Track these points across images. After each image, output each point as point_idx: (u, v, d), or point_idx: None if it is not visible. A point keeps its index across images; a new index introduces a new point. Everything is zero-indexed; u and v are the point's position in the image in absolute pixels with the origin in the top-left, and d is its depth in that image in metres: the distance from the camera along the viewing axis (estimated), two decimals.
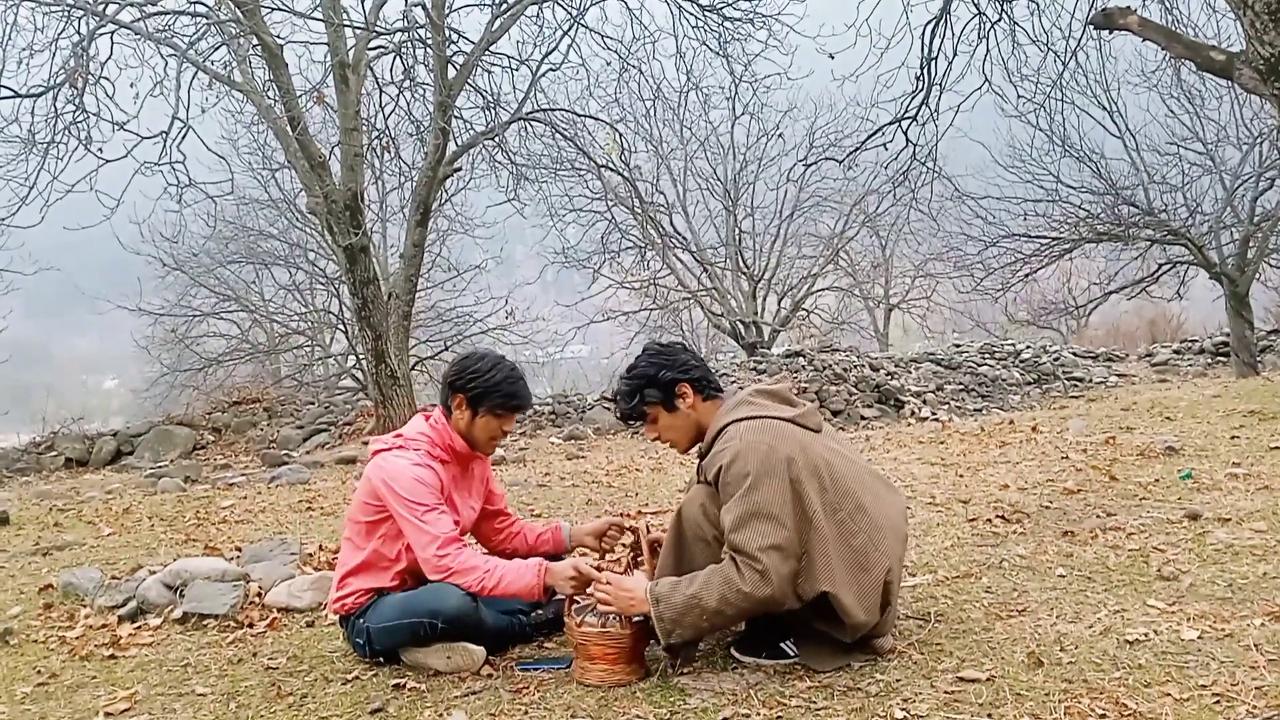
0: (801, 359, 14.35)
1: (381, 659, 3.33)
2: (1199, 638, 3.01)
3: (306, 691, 3.21)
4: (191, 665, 3.58)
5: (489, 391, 3.35)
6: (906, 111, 10.12)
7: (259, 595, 4.24)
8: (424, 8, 11.13)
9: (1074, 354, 17.89)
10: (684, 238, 21.74)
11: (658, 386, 3.18)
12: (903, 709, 2.66)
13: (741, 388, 3.26)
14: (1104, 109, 16.06)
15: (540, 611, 3.51)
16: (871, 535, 2.94)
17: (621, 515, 5.13)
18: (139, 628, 4.05)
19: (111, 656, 3.74)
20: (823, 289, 26.23)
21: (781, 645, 3.08)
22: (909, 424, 11.72)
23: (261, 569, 4.50)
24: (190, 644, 3.83)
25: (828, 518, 2.90)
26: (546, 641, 3.50)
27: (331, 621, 3.79)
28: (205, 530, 6.23)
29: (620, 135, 14.06)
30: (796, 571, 2.86)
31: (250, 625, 3.98)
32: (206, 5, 10.81)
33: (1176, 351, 18.06)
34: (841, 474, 2.98)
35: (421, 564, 3.22)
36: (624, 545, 3.60)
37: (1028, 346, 17.89)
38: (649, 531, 3.47)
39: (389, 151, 12.49)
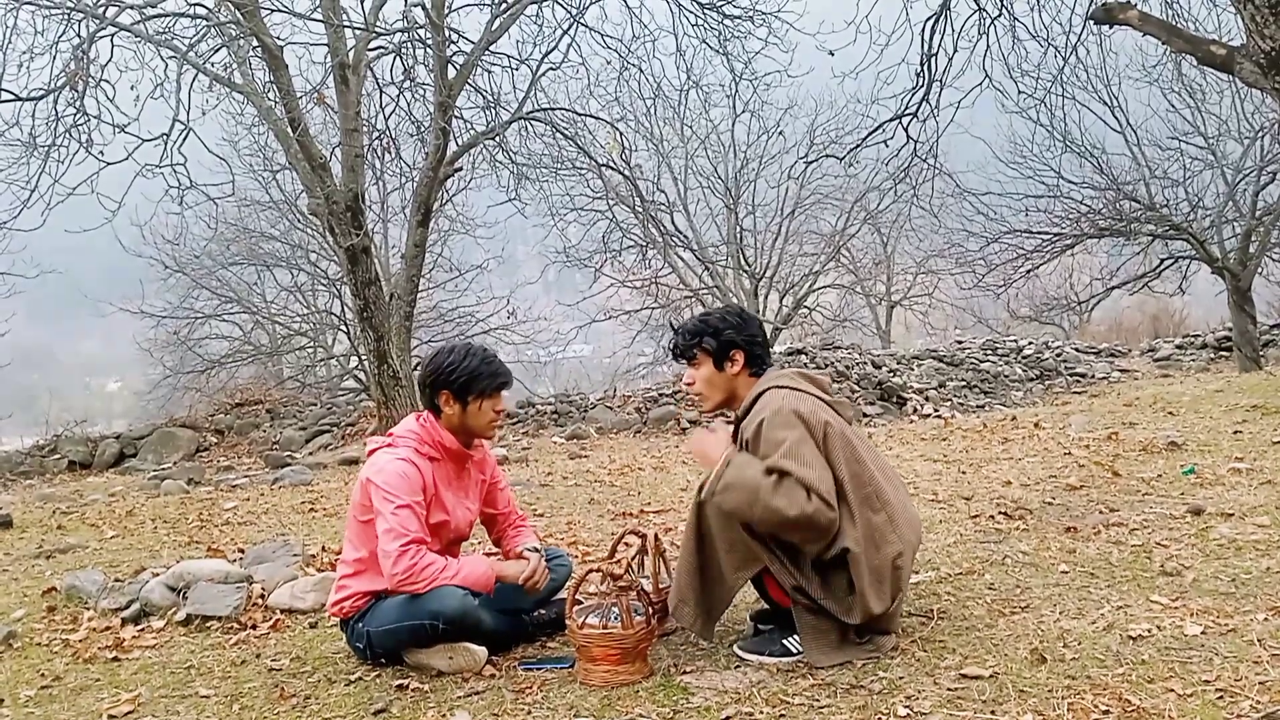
0: (804, 357, 14.35)
1: (384, 660, 3.33)
2: (1202, 633, 3.01)
3: (310, 693, 3.21)
4: (195, 667, 3.58)
5: (473, 378, 3.37)
6: (907, 108, 10.11)
7: (262, 597, 4.25)
8: (423, 8, 11.11)
9: (1076, 350, 17.86)
10: (685, 236, 21.71)
11: (719, 340, 3.28)
12: (906, 706, 2.66)
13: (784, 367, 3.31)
14: (1105, 104, 16.07)
15: (543, 611, 3.51)
16: (891, 516, 3.04)
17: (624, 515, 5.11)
18: (142, 630, 4.06)
19: (115, 659, 3.74)
20: (824, 286, 26.24)
21: (784, 643, 3.08)
22: (911, 421, 11.71)
23: (264, 570, 4.51)
24: (193, 646, 3.83)
25: (854, 489, 3.01)
26: (549, 641, 3.50)
27: (334, 623, 3.79)
28: (208, 532, 6.23)
29: (621, 134, 14.03)
30: (831, 518, 2.91)
31: (253, 627, 3.98)
32: (206, 7, 10.79)
33: (1179, 346, 18.04)
34: (867, 460, 3.09)
35: (380, 557, 3.21)
36: (627, 544, 3.60)
37: (1030, 342, 17.87)
38: (657, 540, 3.48)
39: (390, 152, 12.46)
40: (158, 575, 4.47)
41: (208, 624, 4.05)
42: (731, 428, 3.29)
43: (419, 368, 3.53)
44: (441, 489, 3.41)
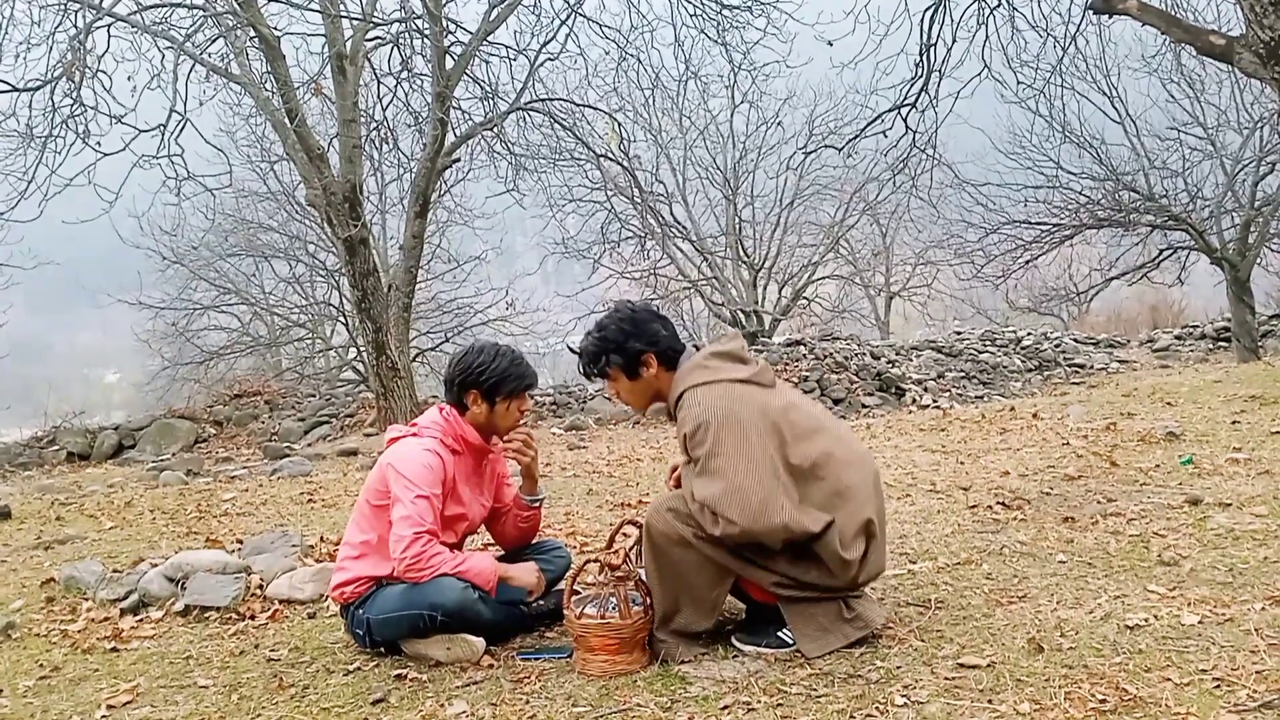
0: (802, 348, 14.34)
1: (382, 649, 3.34)
2: (1199, 622, 3.01)
3: (308, 683, 3.21)
4: (193, 657, 3.58)
5: (503, 380, 3.41)
6: (906, 98, 10.10)
7: (260, 587, 4.25)
8: None
9: (1075, 340, 17.86)
10: (684, 227, 21.70)
11: (624, 354, 3.24)
12: (903, 695, 2.66)
13: (698, 347, 3.31)
14: (1104, 94, 16.05)
15: (541, 602, 3.52)
16: (840, 474, 3.02)
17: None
18: (140, 620, 4.06)
19: (113, 649, 3.74)
20: (823, 277, 26.19)
21: (780, 635, 3.09)
22: (910, 412, 11.71)
23: (263, 561, 4.51)
24: (192, 636, 3.84)
25: (794, 468, 2.99)
26: (547, 631, 3.50)
27: (333, 613, 3.80)
28: (207, 523, 6.23)
29: (619, 125, 14.04)
30: (769, 508, 2.90)
31: (252, 617, 3.98)
32: None
33: (1178, 337, 18.04)
34: (802, 426, 3.06)
35: (392, 541, 3.22)
36: (624, 534, 3.60)
37: (1029, 333, 17.87)
38: None
39: (387, 143, 12.47)
40: (156, 566, 4.47)
41: (206, 614, 4.05)
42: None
43: (448, 364, 3.53)
44: (460, 483, 3.44)
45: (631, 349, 3.22)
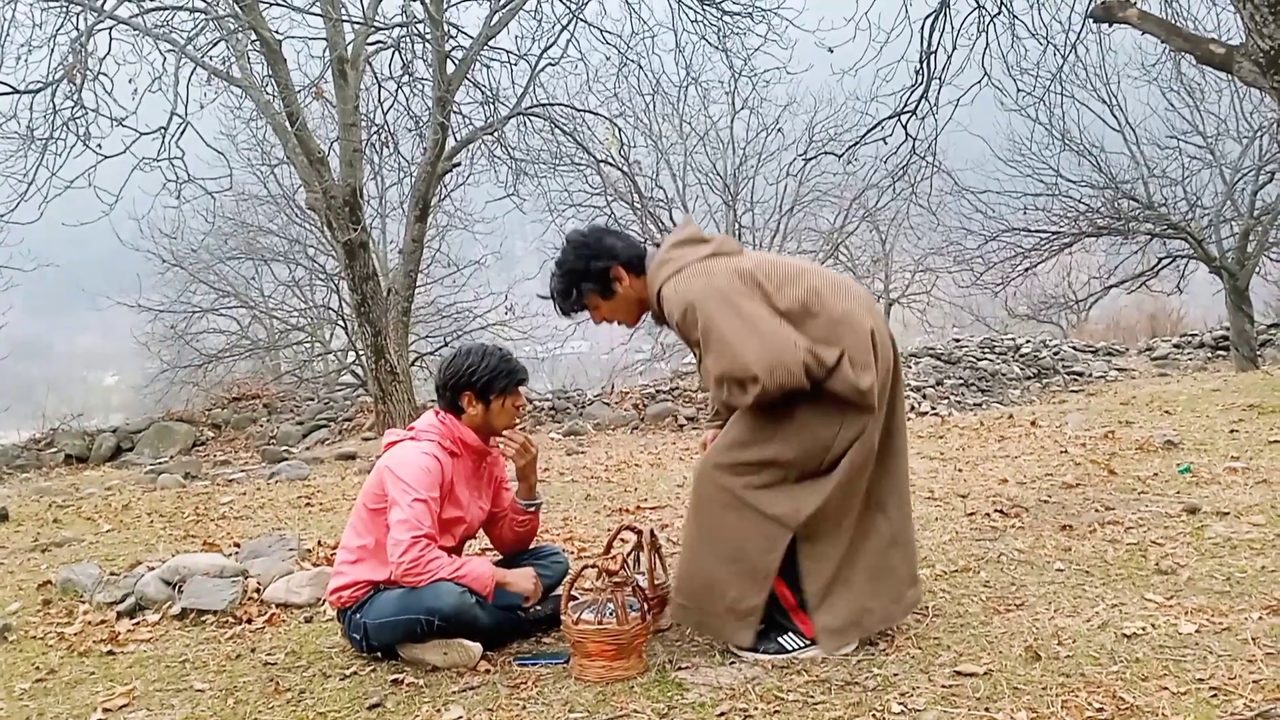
0: None
1: (379, 654, 3.33)
2: (1196, 631, 3.01)
3: (304, 687, 3.21)
4: (190, 661, 3.58)
5: (495, 377, 3.42)
6: (906, 105, 10.11)
7: (257, 591, 4.24)
8: (423, 3, 11.11)
9: (1074, 348, 17.85)
10: None
11: (592, 278, 3.25)
12: (900, 703, 2.66)
13: (658, 245, 3.34)
14: (1104, 102, 16.06)
15: (538, 608, 3.51)
16: (833, 303, 3.01)
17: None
18: (137, 624, 4.05)
19: (110, 652, 3.74)
20: None
21: (780, 641, 3.08)
22: (909, 419, 11.69)
23: (260, 565, 4.50)
24: (188, 640, 3.83)
25: (785, 313, 2.99)
26: (544, 637, 3.50)
27: (329, 617, 3.79)
28: (204, 526, 6.23)
29: (619, 130, 14.03)
30: (784, 350, 2.90)
31: (248, 621, 3.98)
32: (205, 0, 10.79)
33: (1176, 346, 18.02)
34: (780, 274, 3.07)
35: (389, 545, 3.21)
36: (623, 540, 3.60)
37: (1027, 341, 17.85)
38: (653, 536, 3.48)
39: (388, 147, 12.47)
40: (153, 569, 4.46)
41: (203, 618, 4.04)
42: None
43: (437, 371, 3.54)
44: (458, 485, 3.44)
45: (596, 269, 3.23)
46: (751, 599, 3.05)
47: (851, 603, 3.05)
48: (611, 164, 14.16)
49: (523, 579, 3.44)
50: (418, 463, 3.30)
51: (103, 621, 4.11)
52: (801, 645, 3.08)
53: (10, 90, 9.84)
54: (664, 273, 3.14)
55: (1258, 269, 16.64)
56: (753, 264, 3.09)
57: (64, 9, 9.94)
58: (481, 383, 3.41)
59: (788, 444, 3.01)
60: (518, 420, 3.57)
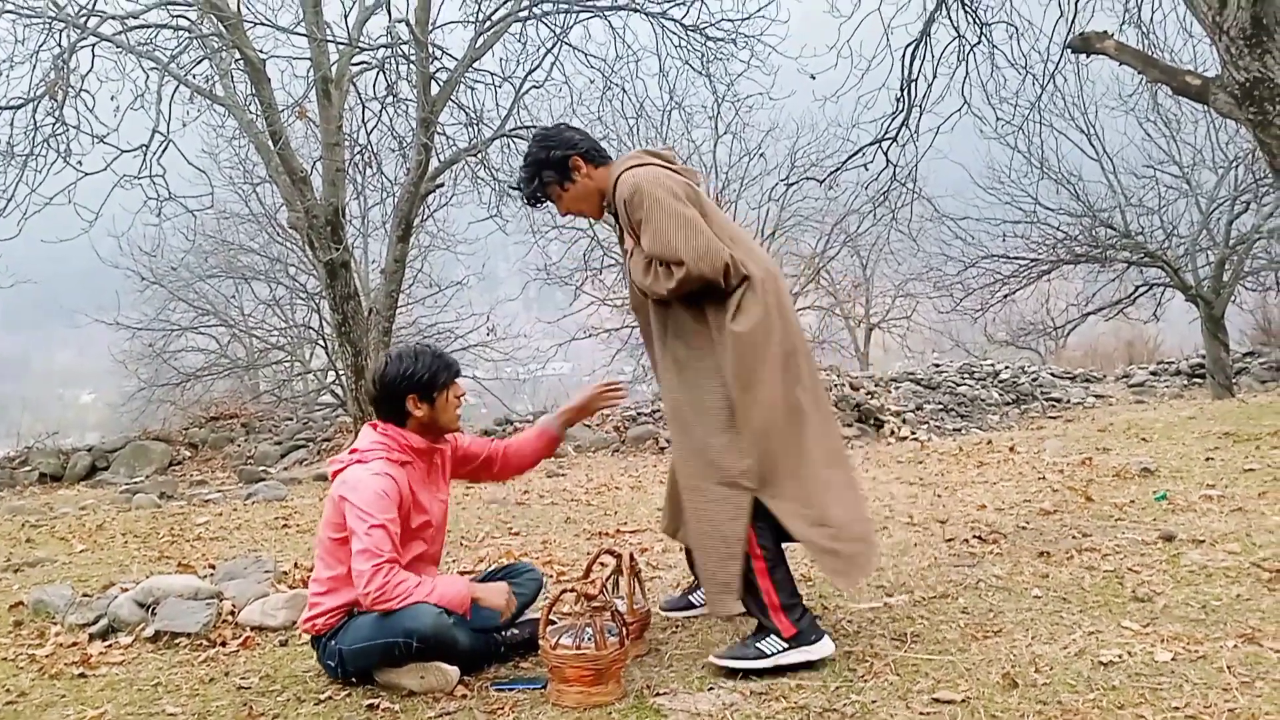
0: None
1: (354, 680, 3.30)
2: (1172, 659, 3.02)
3: (279, 712, 3.17)
4: (162, 684, 3.53)
5: (433, 375, 3.44)
6: (887, 132, 10.19)
7: (232, 613, 4.20)
8: (408, 24, 11.15)
9: (1052, 375, 18.00)
10: None
11: (552, 166, 3.45)
12: None
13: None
14: (1082, 132, 16.24)
15: (515, 631, 3.49)
16: (749, 245, 3.35)
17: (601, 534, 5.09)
18: (110, 646, 4.00)
19: (81, 675, 3.68)
20: (804, 308, 26.30)
21: (759, 646, 3.12)
22: (888, 443, 11.75)
23: (235, 587, 4.46)
24: (161, 663, 3.78)
25: (716, 235, 3.22)
26: (522, 661, 3.47)
27: (305, 641, 3.75)
28: (179, 547, 6.17)
29: None
30: (711, 247, 3.14)
31: (223, 644, 3.94)
32: (189, 19, 10.79)
33: (1153, 373, 18.20)
34: (718, 218, 3.34)
35: (354, 577, 3.19)
36: (602, 564, 3.59)
37: (1006, 367, 17.99)
38: (632, 560, 3.48)
39: (371, 167, 12.47)
40: (127, 591, 4.41)
41: (176, 641, 3.99)
42: None
43: (371, 384, 3.54)
44: (418, 491, 3.42)
45: (556, 156, 3.43)
46: (730, 568, 3.17)
47: (846, 522, 3.23)
48: None
49: (495, 594, 3.41)
50: (371, 486, 3.26)
51: (75, 644, 4.05)
52: (781, 648, 3.11)
53: None
54: (627, 163, 3.38)
55: (1233, 298, 16.80)
56: (711, 205, 3.37)
57: (47, 25, 9.92)
58: (424, 382, 3.42)
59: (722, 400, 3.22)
60: (460, 411, 3.59)
